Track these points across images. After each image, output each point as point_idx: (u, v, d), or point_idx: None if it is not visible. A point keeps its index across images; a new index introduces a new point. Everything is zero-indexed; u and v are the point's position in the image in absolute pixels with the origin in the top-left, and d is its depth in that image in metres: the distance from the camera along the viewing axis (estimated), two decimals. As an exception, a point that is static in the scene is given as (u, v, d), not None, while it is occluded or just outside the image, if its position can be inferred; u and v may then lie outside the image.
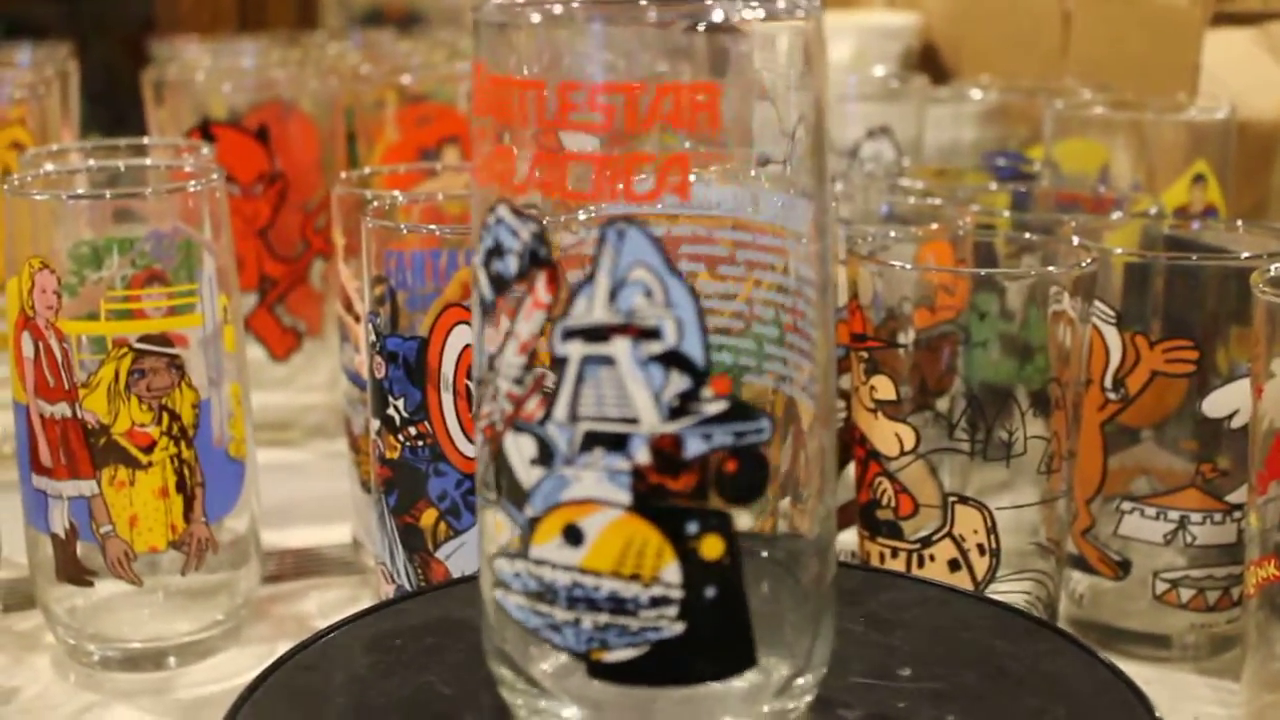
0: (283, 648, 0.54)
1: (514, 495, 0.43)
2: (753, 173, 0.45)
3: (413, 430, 0.61)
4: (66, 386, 0.64)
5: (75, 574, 0.67)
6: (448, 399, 0.61)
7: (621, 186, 0.41)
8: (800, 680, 0.45)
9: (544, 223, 0.42)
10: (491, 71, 0.43)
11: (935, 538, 0.64)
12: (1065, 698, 0.50)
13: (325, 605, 0.75)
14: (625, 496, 0.41)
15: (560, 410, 0.42)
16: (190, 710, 0.65)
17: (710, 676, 0.43)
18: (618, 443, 0.41)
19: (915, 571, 0.65)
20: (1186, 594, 0.68)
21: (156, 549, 0.66)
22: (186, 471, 0.66)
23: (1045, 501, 0.64)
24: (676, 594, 0.42)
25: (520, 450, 0.43)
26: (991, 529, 0.64)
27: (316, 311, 1.01)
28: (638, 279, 0.41)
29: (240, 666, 0.68)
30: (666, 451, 0.41)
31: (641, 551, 0.42)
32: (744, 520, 0.46)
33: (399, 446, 0.62)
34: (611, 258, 0.41)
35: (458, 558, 0.62)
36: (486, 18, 0.43)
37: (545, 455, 0.42)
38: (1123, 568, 0.69)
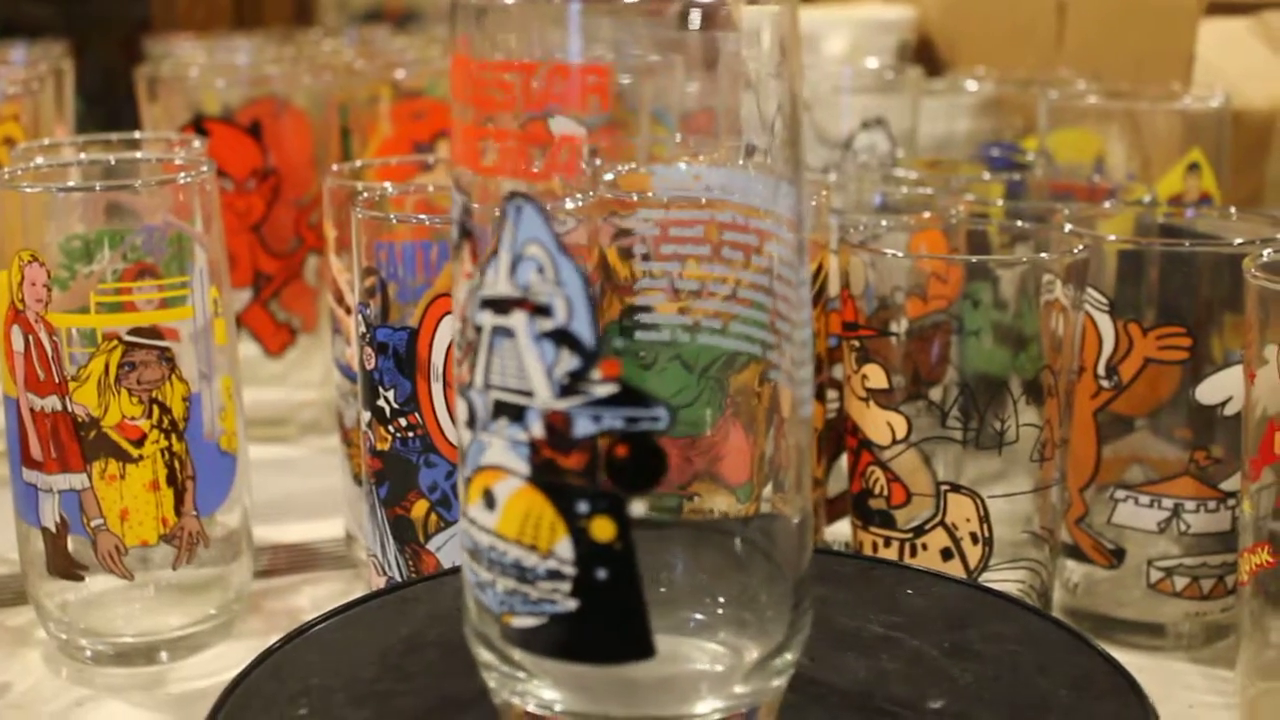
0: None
1: (461, 455, 0.45)
2: (740, 161, 0.45)
3: (403, 421, 0.61)
4: (57, 380, 0.64)
5: (66, 568, 0.66)
6: (438, 390, 0.60)
7: (523, 165, 0.42)
8: (775, 661, 0.45)
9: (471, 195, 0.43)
10: (458, 51, 0.43)
11: (928, 526, 0.64)
12: (1059, 687, 0.50)
13: (318, 599, 0.75)
14: (525, 467, 0.42)
15: (478, 377, 0.43)
16: (182, 705, 0.64)
17: (601, 658, 0.43)
18: (518, 414, 0.42)
19: (908, 560, 0.65)
20: (1181, 582, 0.67)
21: (147, 543, 0.66)
22: (177, 465, 0.66)
23: (1038, 490, 0.64)
24: (569, 570, 0.42)
25: (459, 411, 0.44)
26: (984, 518, 0.64)
27: (311, 307, 1.01)
28: (532, 255, 0.41)
29: (232, 661, 0.67)
30: (558, 428, 0.42)
31: (538, 523, 0.42)
32: (727, 504, 0.46)
33: (389, 438, 0.62)
34: (511, 232, 0.42)
35: (449, 549, 0.62)
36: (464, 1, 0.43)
37: (471, 419, 0.43)
38: (1117, 556, 0.68)
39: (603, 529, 0.42)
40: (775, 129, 0.44)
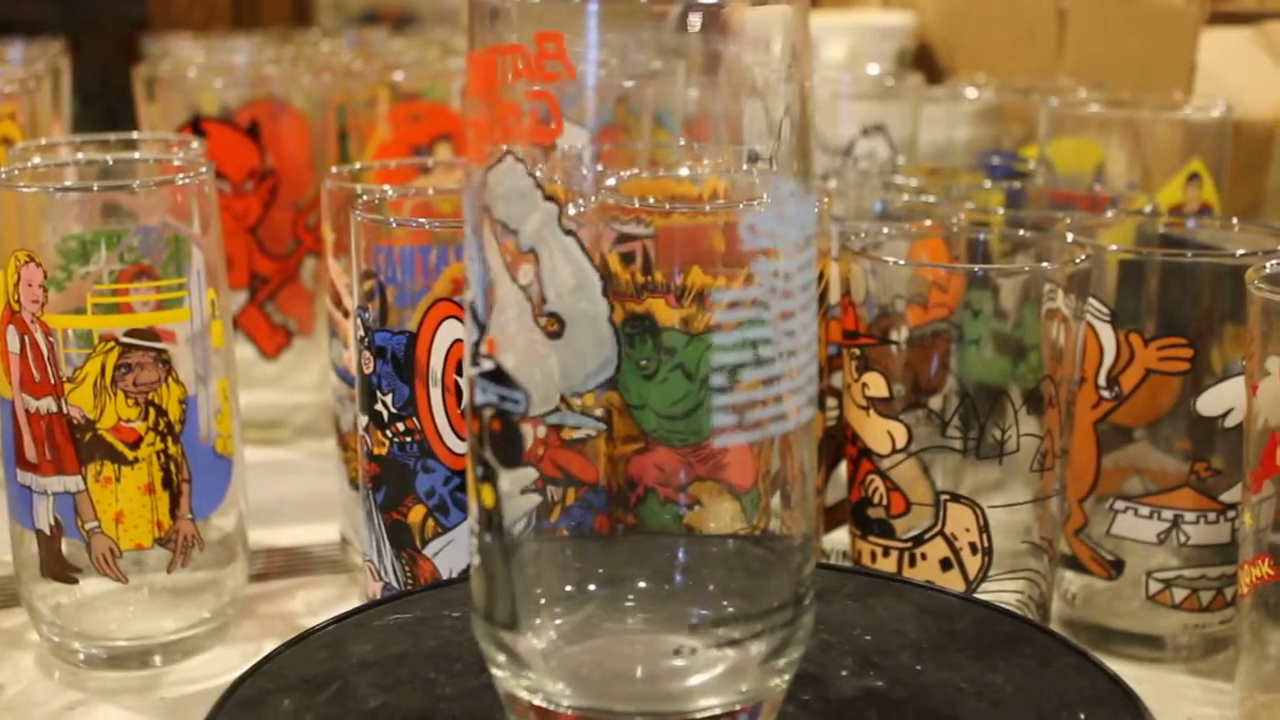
0: (269, 646, 0.54)
1: None
2: (744, 167, 0.45)
3: (401, 426, 0.61)
4: (52, 381, 0.64)
5: (60, 571, 0.66)
6: (436, 394, 0.60)
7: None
8: (779, 659, 0.45)
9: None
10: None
11: (927, 536, 0.64)
12: (1057, 700, 0.50)
13: (312, 604, 0.74)
14: (467, 429, 0.46)
15: None
16: (175, 709, 0.64)
17: (486, 617, 0.46)
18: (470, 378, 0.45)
19: (907, 570, 0.64)
20: (1180, 594, 0.67)
21: (142, 546, 0.66)
22: (173, 467, 0.66)
23: (1038, 500, 0.64)
24: (477, 528, 0.45)
25: None
26: (984, 528, 0.63)
27: (307, 309, 1.01)
28: (466, 235, 0.44)
29: (226, 665, 0.67)
30: (470, 393, 0.45)
31: (468, 480, 0.46)
32: (732, 512, 0.47)
33: (387, 442, 0.61)
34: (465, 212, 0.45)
35: (446, 555, 0.61)
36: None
37: None
38: (1116, 567, 0.68)
39: (487, 495, 0.45)
40: (783, 135, 0.44)
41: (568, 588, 0.47)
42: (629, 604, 0.47)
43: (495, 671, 0.46)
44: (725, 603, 0.46)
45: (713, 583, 0.47)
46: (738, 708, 0.45)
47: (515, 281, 0.43)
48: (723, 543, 0.48)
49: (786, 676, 0.46)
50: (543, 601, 0.46)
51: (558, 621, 0.46)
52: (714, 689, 0.45)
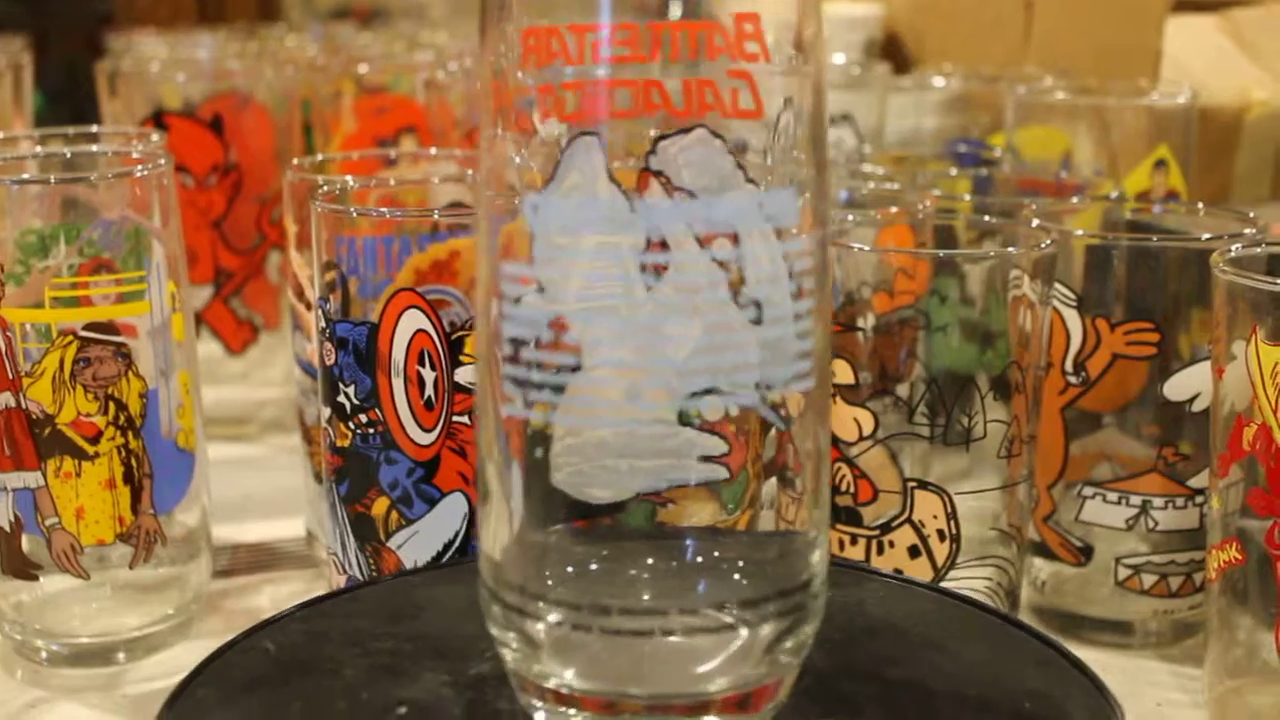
0: (235, 642, 0.54)
1: None
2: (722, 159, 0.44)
3: (363, 418, 0.60)
4: (10, 376, 0.63)
5: (21, 568, 0.65)
6: (398, 385, 0.60)
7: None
8: (790, 640, 0.45)
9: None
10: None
11: (895, 524, 0.64)
12: (1023, 686, 0.49)
13: (278, 599, 0.74)
14: None
15: None
16: (139, 706, 0.63)
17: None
18: None
19: (875, 558, 0.64)
20: (1149, 580, 0.67)
21: (104, 541, 0.65)
22: (134, 462, 0.65)
23: (1006, 487, 0.63)
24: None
25: None
26: (952, 515, 0.63)
27: (273, 304, 1.00)
28: (574, 180, 0.43)
29: (190, 661, 0.65)
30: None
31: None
32: (711, 512, 0.46)
33: (349, 434, 0.61)
34: None
35: (409, 547, 0.61)
36: None
37: None
38: (1084, 554, 0.68)
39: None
40: (781, 126, 0.43)
41: (576, 570, 0.46)
42: (639, 586, 0.47)
43: (506, 654, 0.46)
44: (735, 584, 0.46)
45: (722, 564, 0.47)
46: (754, 688, 0.45)
47: (708, 251, 0.41)
48: (733, 526, 0.48)
49: (799, 656, 0.46)
50: (552, 585, 0.46)
51: (569, 604, 0.45)
52: (725, 670, 0.44)
